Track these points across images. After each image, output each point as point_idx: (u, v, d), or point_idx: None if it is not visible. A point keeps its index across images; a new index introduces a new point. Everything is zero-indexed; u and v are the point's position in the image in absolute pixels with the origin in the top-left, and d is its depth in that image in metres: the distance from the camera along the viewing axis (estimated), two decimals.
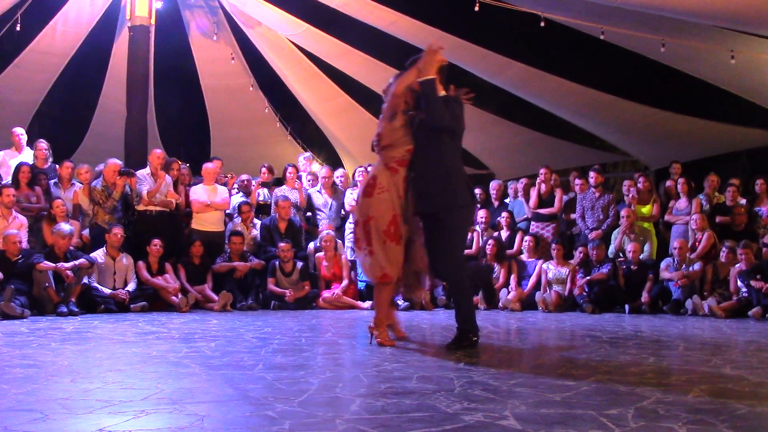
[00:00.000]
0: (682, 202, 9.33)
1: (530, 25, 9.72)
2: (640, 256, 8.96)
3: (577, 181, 9.91)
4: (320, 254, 9.14)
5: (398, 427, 2.51)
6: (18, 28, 11.56)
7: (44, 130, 13.77)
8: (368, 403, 2.90)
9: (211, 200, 9.12)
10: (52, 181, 9.02)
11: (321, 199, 9.85)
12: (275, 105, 15.42)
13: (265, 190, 10.22)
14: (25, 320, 6.75)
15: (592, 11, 9.08)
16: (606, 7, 8.69)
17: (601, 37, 9.65)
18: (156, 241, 8.44)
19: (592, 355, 4.52)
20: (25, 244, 7.99)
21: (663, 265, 8.78)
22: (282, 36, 12.89)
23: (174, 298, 8.12)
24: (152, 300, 8.12)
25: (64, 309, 7.28)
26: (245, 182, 10.33)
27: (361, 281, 9.00)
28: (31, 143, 9.58)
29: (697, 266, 8.57)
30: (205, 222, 9.12)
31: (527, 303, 8.84)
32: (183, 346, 4.78)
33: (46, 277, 7.46)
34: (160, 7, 11.18)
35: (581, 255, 9.05)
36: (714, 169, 10.22)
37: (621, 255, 9.12)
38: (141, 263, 8.35)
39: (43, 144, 9.36)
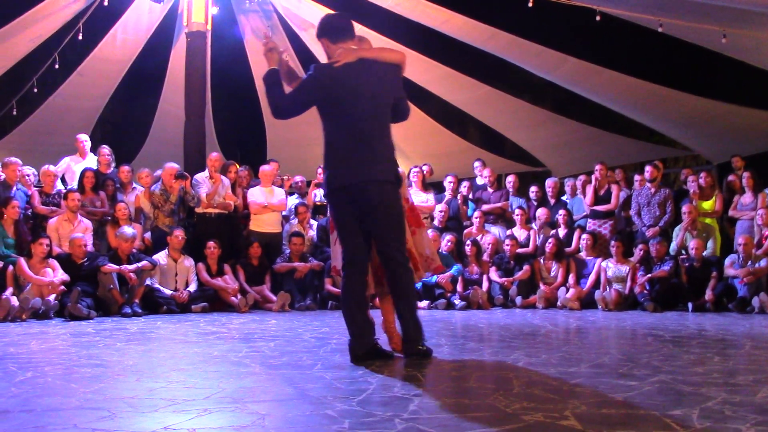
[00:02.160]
0: (747, 197, 9.08)
1: (585, 19, 9.59)
2: (704, 253, 8.75)
3: (637, 177, 9.74)
4: None
5: (457, 426, 2.50)
6: (80, 37, 11.90)
7: (106, 135, 14.15)
8: (427, 403, 2.90)
9: (269, 202, 9.24)
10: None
11: None
12: None
13: (321, 191, 10.29)
14: (91, 321, 6.95)
15: (650, 3, 8.90)
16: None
17: (660, 29, 9.45)
18: (211, 243, 8.59)
19: (654, 354, 4.43)
20: (90, 247, 8.23)
21: (728, 261, 8.55)
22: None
23: (233, 298, 8.26)
24: (212, 301, 8.27)
25: (128, 310, 7.46)
26: (300, 184, 10.42)
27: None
28: (94, 149, 9.84)
29: (763, 263, 8.32)
30: (262, 223, 9.24)
31: (586, 302, 8.72)
32: (243, 346, 4.85)
33: (110, 279, 7.66)
34: (216, 13, 11.37)
35: (641, 252, 8.88)
36: None
37: (683, 252, 8.92)
38: (201, 265, 8.51)
39: (105, 150, 9.61)
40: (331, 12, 4.34)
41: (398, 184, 4.06)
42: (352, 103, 3.95)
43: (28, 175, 9.04)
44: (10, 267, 7.51)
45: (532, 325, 6.59)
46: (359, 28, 11.97)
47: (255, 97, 14.77)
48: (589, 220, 9.68)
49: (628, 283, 8.73)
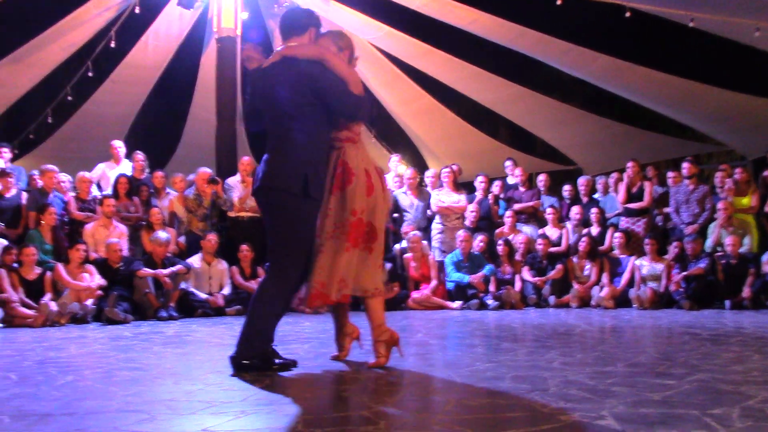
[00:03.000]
0: None
1: (615, 15, 9.51)
2: (740, 250, 8.62)
3: (670, 174, 9.63)
4: (408, 255, 9.17)
5: (494, 427, 2.50)
6: (113, 45, 12.09)
7: (139, 141, 14.34)
8: (462, 404, 2.90)
9: None
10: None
11: (407, 200, 9.87)
12: None
13: None
14: (128, 325, 7.04)
15: None
16: None
17: (691, 24, 9.34)
18: (244, 246, 8.66)
19: (692, 353, 4.38)
20: (126, 252, 8.35)
21: (765, 258, 8.41)
22: (363, 39, 13.00)
23: None
24: (246, 303, 8.29)
25: (164, 313, 7.56)
26: None
27: (449, 281, 8.98)
28: (128, 155, 9.98)
29: None
30: None
31: (621, 300, 8.64)
32: (278, 348, 4.88)
33: (146, 284, 7.76)
34: (245, 18, 11.47)
35: (676, 250, 8.77)
36: None
37: (719, 249, 8.79)
38: (234, 268, 8.58)
39: (140, 155, 9.74)
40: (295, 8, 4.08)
41: (305, 194, 3.70)
42: (270, 103, 3.82)
43: (64, 182, 9.20)
44: (49, 273, 7.65)
45: (567, 325, 6.55)
46: (388, 31, 12.07)
47: None
48: (623, 218, 9.59)
49: (663, 281, 8.63)
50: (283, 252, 3.82)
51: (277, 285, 3.82)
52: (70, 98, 13.13)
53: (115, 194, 8.98)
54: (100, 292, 7.58)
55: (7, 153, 9.64)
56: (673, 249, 8.84)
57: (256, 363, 3.69)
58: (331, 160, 3.85)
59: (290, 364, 3.82)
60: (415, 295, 8.81)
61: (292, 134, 3.73)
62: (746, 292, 8.20)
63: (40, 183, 8.97)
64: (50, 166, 8.99)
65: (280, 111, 3.75)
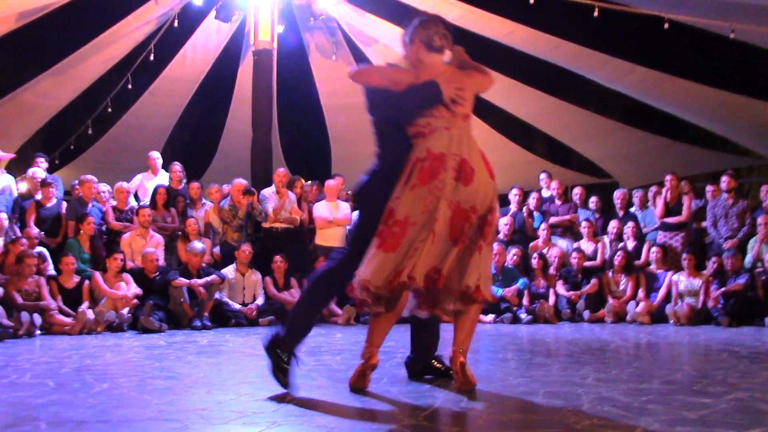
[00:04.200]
0: None
1: (653, 27, 9.42)
2: None
3: (709, 188, 9.47)
4: None
5: None
6: (151, 58, 12.30)
7: (176, 152, 14.55)
8: (495, 419, 2.87)
9: (334, 216, 9.32)
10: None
11: None
12: None
13: None
14: (162, 334, 7.12)
15: (720, 9, 8.68)
16: (736, 5, 8.28)
17: (731, 36, 9.20)
18: (277, 257, 8.70)
19: (730, 371, 4.29)
20: (162, 262, 8.44)
21: None
22: (398, 52, 13.04)
23: None
24: (279, 314, 8.35)
25: (198, 323, 7.62)
26: None
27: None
28: (165, 166, 10.11)
29: None
30: (328, 238, 9.32)
31: (657, 316, 8.50)
32: (310, 359, 4.89)
33: (181, 293, 7.84)
34: (281, 31, 11.58)
35: (715, 265, 8.61)
36: None
37: (759, 265, 8.61)
38: (268, 279, 8.63)
39: (177, 166, 9.86)
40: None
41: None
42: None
43: (102, 192, 9.34)
44: (86, 281, 7.77)
45: (601, 340, 6.46)
46: None
47: (320, 113, 14.97)
48: (660, 232, 9.45)
49: (701, 297, 8.47)
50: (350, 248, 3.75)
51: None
52: (110, 110, 13.37)
53: (153, 204, 9.11)
54: (136, 301, 7.67)
55: (43, 163, 9.82)
56: (711, 264, 8.69)
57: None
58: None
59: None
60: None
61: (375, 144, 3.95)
62: None
63: (79, 193, 9.12)
64: (89, 177, 9.14)
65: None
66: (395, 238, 3.41)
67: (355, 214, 3.49)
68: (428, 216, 3.41)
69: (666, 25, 9.23)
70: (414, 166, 3.51)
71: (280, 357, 3.60)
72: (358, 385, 3.56)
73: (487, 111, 13.88)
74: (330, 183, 9.66)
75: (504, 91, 12.86)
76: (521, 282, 8.92)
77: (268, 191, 9.33)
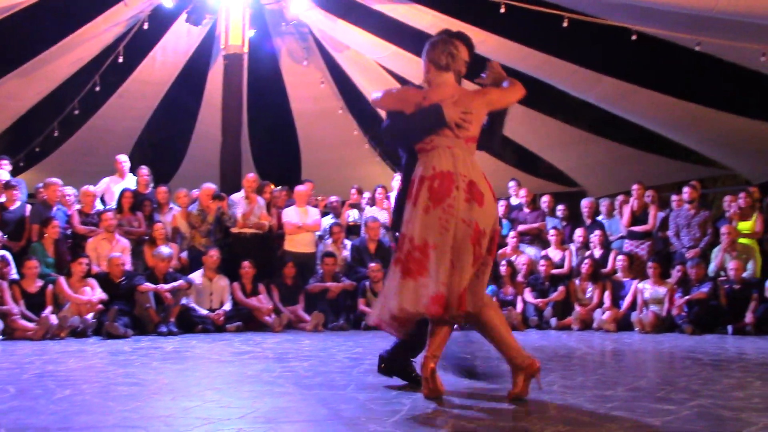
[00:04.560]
0: None
1: (621, 38, 9.55)
2: (743, 275, 8.58)
3: (674, 197, 9.62)
4: None
5: None
6: (120, 60, 12.17)
7: (144, 156, 14.39)
8: (461, 425, 2.88)
9: (303, 222, 9.28)
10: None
11: None
12: (364, 127, 15.61)
13: (355, 212, 10.33)
14: (127, 339, 7.02)
15: (687, 22, 8.82)
16: (701, 18, 8.42)
17: (697, 48, 9.36)
18: (245, 263, 8.64)
19: (693, 378, 4.35)
20: (128, 267, 8.34)
21: None
22: (370, 59, 13.07)
23: (268, 318, 8.30)
24: (247, 320, 8.31)
25: (164, 329, 7.54)
26: (335, 204, 10.49)
27: None
28: (133, 170, 10.01)
29: None
30: (297, 243, 9.29)
31: (623, 323, 8.60)
32: (277, 366, 4.87)
33: (147, 298, 7.75)
34: (252, 36, 11.53)
35: (679, 274, 8.73)
36: None
37: (722, 273, 8.76)
38: (236, 284, 8.57)
39: (144, 170, 9.76)
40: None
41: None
42: None
43: (68, 196, 9.21)
44: (50, 286, 7.65)
45: (568, 347, 6.52)
46: (394, 51, 12.14)
47: (290, 118, 14.93)
48: (626, 240, 9.57)
49: (666, 305, 8.59)
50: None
51: None
52: (77, 112, 13.21)
53: (119, 208, 9.00)
54: (100, 306, 7.56)
55: (7, 165, 9.67)
56: (676, 273, 8.81)
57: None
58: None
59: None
60: None
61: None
62: (749, 317, 8.15)
63: (43, 196, 8.98)
64: (54, 180, 9.00)
65: None
66: (420, 264, 3.44)
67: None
68: (446, 236, 3.44)
69: (633, 37, 9.36)
70: (422, 185, 3.53)
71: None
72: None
73: None
74: (300, 189, 9.63)
75: None
76: (489, 289, 8.97)
77: (237, 196, 9.27)
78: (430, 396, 3.50)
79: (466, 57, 3.81)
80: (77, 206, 9.13)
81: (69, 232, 8.85)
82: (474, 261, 3.49)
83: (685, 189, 9.27)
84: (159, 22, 12.07)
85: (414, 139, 3.68)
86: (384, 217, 9.77)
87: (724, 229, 8.81)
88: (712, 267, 8.84)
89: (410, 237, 3.51)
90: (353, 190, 10.67)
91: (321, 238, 9.85)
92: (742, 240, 8.92)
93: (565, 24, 9.41)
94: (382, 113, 4.01)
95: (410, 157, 3.78)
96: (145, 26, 11.67)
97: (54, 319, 7.09)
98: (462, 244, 3.45)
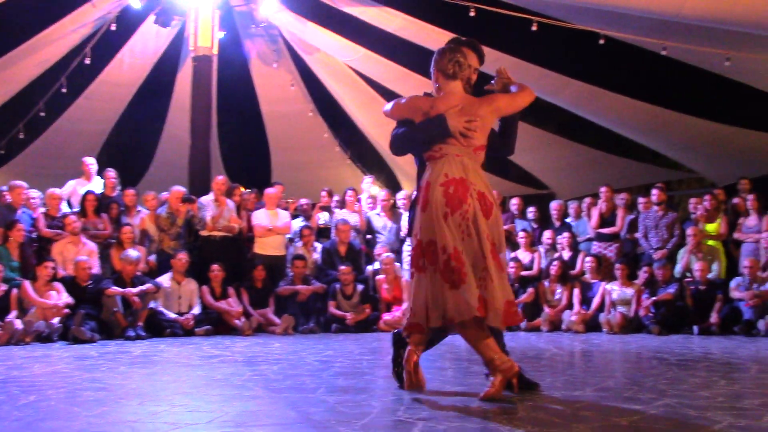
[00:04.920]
0: (752, 219, 9.05)
1: (589, 42, 9.64)
2: (709, 276, 8.71)
3: (641, 200, 9.74)
4: (380, 277, 9.15)
5: None
6: (87, 61, 12.02)
7: (112, 158, 14.21)
8: (430, 427, 2.88)
9: (273, 225, 9.24)
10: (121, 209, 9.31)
11: (380, 221, 9.89)
12: (334, 130, 15.59)
13: (326, 214, 10.30)
14: (94, 344, 6.93)
15: (653, 27, 8.95)
16: (668, 23, 8.55)
17: (663, 52, 9.50)
18: (214, 266, 8.57)
19: (659, 378, 4.40)
20: (95, 270, 8.23)
21: (733, 284, 8.51)
22: (340, 61, 13.06)
23: (237, 321, 8.24)
24: (216, 323, 8.25)
25: (132, 333, 7.45)
26: (305, 206, 10.46)
27: None
28: (100, 172, 9.88)
29: None
30: (267, 246, 9.25)
31: (591, 324, 8.68)
32: (246, 370, 4.84)
33: (114, 302, 7.66)
34: (222, 37, 11.46)
35: (646, 275, 8.84)
36: None
37: (688, 275, 8.88)
38: (205, 288, 8.50)
39: (111, 173, 9.65)
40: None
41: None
42: None
43: (33, 198, 9.06)
44: (15, 290, 7.52)
45: (537, 348, 6.57)
46: (365, 53, 12.15)
47: (260, 120, 14.86)
48: (594, 242, 9.66)
49: (633, 306, 8.69)
50: None
51: None
52: (42, 114, 13.01)
53: (83, 212, 8.88)
54: (67, 310, 7.45)
55: None
56: (642, 274, 8.91)
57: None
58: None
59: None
60: (386, 317, 8.78)
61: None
62: (714, 317, 8.28)
63: (8, 199, 8.83)
64: (18, 182, 8.86)
65: None
66: (458, 272, 3.49)
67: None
68: (469, 243, 3.53)
69: (601, 41, 9.46)
70: (434, 191, 3.58)
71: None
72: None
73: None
74: (270, 191, 9.58)
75: None
76: None
77: (207, 199, 9.20)
78: (411, 388, 3.57)
79: (476, 64, 3.90)
80: (42, 209, 8.99)
81: (34, 235, 8.72)
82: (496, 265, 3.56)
83: (654, 191, 9.39)
84: (127, 24, 11.93)
85: (421, 148, 3.79)
86: (354, 219, 9.77)
87: (689, 231, 8.93)
88: (678, 268, 8.97)
89: (442, 246, 3.53)
90: (323, 193, 10.64)
91: (291, 240, 9.81)
92: (707, 241, 9.06)
93: (534, 28, 9.48)
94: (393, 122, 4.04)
95: (421, 165, 3.86)
96: (113, 27, 11.52)
97: (19, 324, 6.97)
98: (486, 250, 3.54)
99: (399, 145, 3.96)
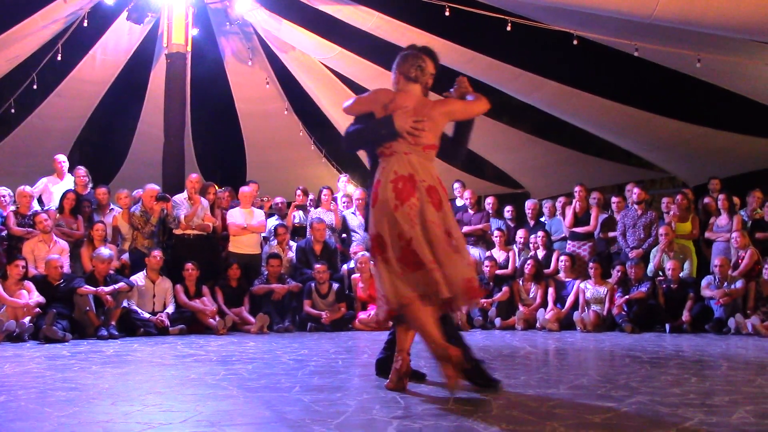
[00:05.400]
0: (722, 219, 9.18)
1: (563, 43, 9.71)
2: (680, 274, 8.83)
3: (614, 199, 9.83)
4: (356, 276, 9.16)
5: None
6: (59, 58, 11.87)
7: (85, 156, 14.06)
8: (405, 426, 2.89)
9: (248, 223, 9.20)
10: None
11: (356, 220, 9.89)
12: (310, 128, 15.55)
13: (301, 213, 10.27)
14: (66, 344, 6.84)
15: (626, 28, 9.03)
16: (640, 24, 8.63)
17: (635, 53, 9.60)
18: (188, 265, 8.51)
19: (632, 375, 4.45)
20: (67, 269, 8.14)
21: (704, 283, 8.63)
22: (315, 60, 13.03)
23: (211, 320, 8.19)
24: (190, 323, 8.19)
25: (105, 332, 7.37)
26: (280, 205, 10.42)
27: None
28: (71, 170, 9.77)
29: (739, 284, 8.41)
30: (241, 245, 9.20)
31: (565, 323, 8.75)
32: (221, 369, 4.81)
33: (86, 301, 7.57)
34: (196, 34, 11.38)
35: (619, 274, 8.93)
36: (755, 185, 10.02)
37: (660, 273, 8.98)
38: (179, 287, 8.44)
39: (81, 171, 9.55)
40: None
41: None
42: None
43: (3, 196, 8.92)
44: None
45: (511, 347, 6.60)
46: (340, 51, 12.14)
47: (235, 118, 14.78)
48: (568, 241, 9.73)
49: (606, 305, 8.77)
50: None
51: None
52: (13, 111, 12.83)
53: (61, 209, 8.79)
54: (38, 309, 7.36)
55: None
56: (615, 273, 8.99)
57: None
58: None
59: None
60: (362, 315, 8.78)
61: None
62: (686, 316, 8.39)
63: None
64: None
65: None
66: (417, 255, 3.65)
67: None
68: (416, 229, 3.68)
69: (575, 42, 9.54)
70: (385, 187, 3.77)
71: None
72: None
73: None
74: (244, 190, 9.54)
75: None
76: None
77: (180, 197, 9.13)
78: (395, 389, 3.73)
79: (432, 70, 4.10)
80: (12, 207, 8.87)
81: (4, 233, 8.59)
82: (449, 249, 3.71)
83: (635, 190, 9.46)
84: (99, 20, 11.81)
85: (371, 146, 3.99)
86: (330, 218, 9.75)
87: (662, 230, 9.03)
88: (650, 267, 9.07)
89: (398, 234, 3.69)
90: (299, 191, 10.60)
91: (266, 239, 9.77)
92: (679, 240, 9.17)
93: (508, 28, 9.52)
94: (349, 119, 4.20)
95: (373, 162, 4.04)
96: (85, 24, 11.40)
97: None
98: (434, 237, 3.69)
99: (350, 143, 4.18)
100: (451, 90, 4.13)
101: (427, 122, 3.84)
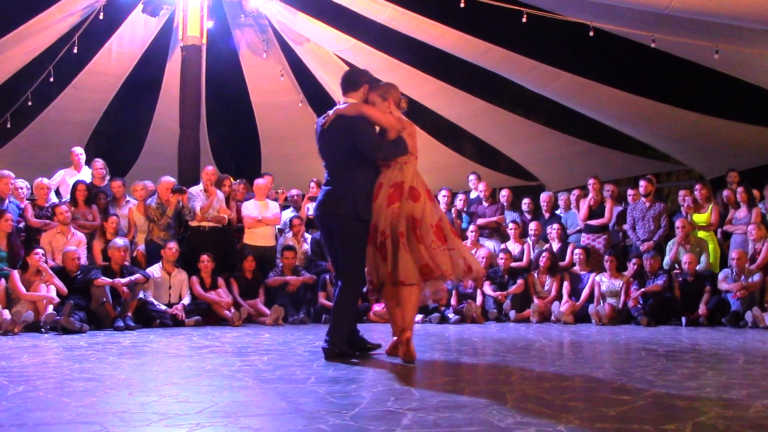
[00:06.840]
0: (741, 211, 9.11)
1: (579, 34, 9.65)
2: (697, 267, 8.77)
3: (630, 191, 9.78)
4: None
5: None
6: (75, 51, 11.92)
7: (101, 149, 14.12)
8: (420, 417, 2.89)
9: (263, 215, 9.23)
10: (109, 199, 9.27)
11: None
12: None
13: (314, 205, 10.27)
14: (83, 335, 6.90)
15: (643, 19, 8.96)
16: (657, 15, 8.56)
17: (653, 45, 9.51)
18: (204, 257, 8.55)
19: (648, 368, 4.43)
20: (84, 261, 8.20)
21: (721, 276, 8.57)
22: (330, 52, 13.01)
23: (227, 312, 8.24)
24: (206, 314, 8.24)
25: (121, 323, 7.43)
26: (295, 197, 10.43)
27: None
28: (88, 162, 9.83)
29: (756, 277, 8.35)
30: (256, 237, 9.24)
31: (580, 316, 8.73)
32: (236, 360, 4.84)
33: (103, 293, 7.62)
34: (211, 27, 11.40)
35: (635, 267, 8.89)
36: None
37: (677, 266, 8.93)
38: (194, 278, 8.48)
39: (99, 163, 9.61)
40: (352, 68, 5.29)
41: (358, 215, 4.74)
42: (328, 152, 4.99)
43: (21, 188, 9.01)
44: (2, 280, 7.48)
45: (526, 339, 6.59)
46: (354, 44, 12.11)
47: (250, 111, 14.80)
48: (583, 234, 9.70)
49: (622, 298, 8.74)
50: (354, 259, 4.82)
51: (348, 291, 4.84)
52: (30, 103, 12.91)
53: (74, 201, 8.85)
54: (56, 299, 7.42)
55: None
56: (631, 266, 8.96)
57: (344, 350, 4.82)
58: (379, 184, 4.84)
59: (375, 347, 5.19)
60: (376, 307, 8.79)
61: (346, 173, 4.86)
62: (702, 309, 8.34)
63: None
64: (6, 172, 8.80)
65: (336, 157, 4.93)
66: (383, 251, 4.75)
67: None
68: (389, 231, 4.73)
69: (591, 33, 9.47)
70: (386, 191, 4.76)
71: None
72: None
73: (417, 112, 13.98)
74: (259, 182, 9.56)
75: (434, 94, 12.98)
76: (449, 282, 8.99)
77: (196, 189, 9.16)
78: (405, 359, 4.61)
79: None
80: (29, 199, 8.94)
81: (22, 225, 8.67)
82: (417, 241, 4.69)
83: (642, 182, 9.43)
84: (115, 13, 11.84)
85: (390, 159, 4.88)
86: None
87: (678, 223, 8.98)
88: (666, 260, 9.02)
89: (382, 230, 4.75)
90: (313, 183, 10.61)
91: (281, 231, 9.80)
92: (696, 233, 9.12)
93: (524, 19, 9.47)
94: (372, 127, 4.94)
95: (366, 164, 4.86)
96: (101, 16, 11.43)
97: (7, 315, 6.94)
98: (409, 232, 4.74)
99: (382, 154, 4.86)
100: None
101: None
